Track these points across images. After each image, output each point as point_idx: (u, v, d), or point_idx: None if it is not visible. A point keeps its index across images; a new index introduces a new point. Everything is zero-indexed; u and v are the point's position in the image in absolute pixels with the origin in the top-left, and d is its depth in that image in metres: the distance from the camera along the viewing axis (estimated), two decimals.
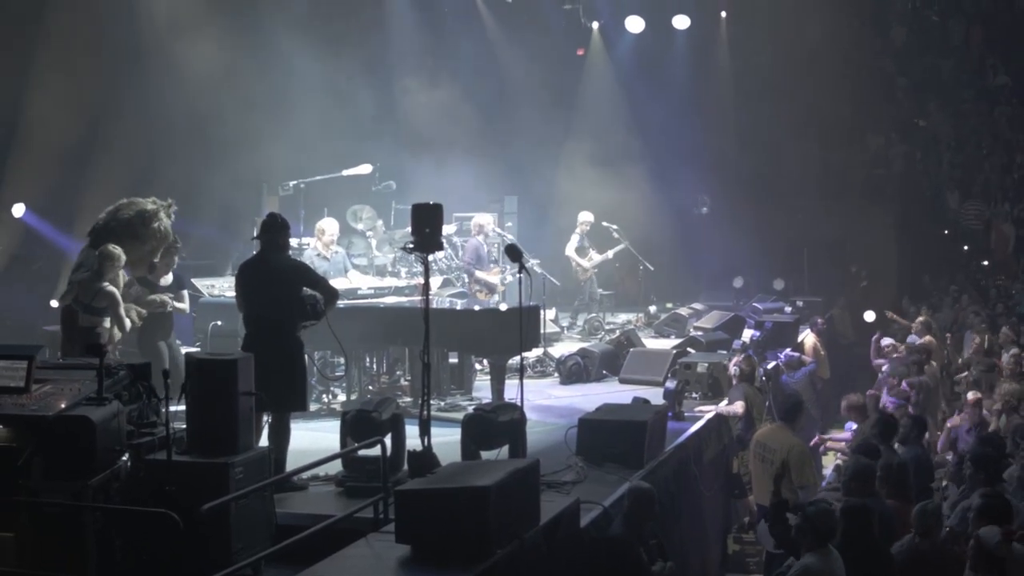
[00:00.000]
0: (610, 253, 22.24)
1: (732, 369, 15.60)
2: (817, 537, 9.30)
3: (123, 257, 12.71)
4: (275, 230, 11.72)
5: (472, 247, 18.63)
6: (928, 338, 19.41)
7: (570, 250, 22.01)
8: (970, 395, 16.30)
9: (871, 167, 29.07)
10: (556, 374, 17.86)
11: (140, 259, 13.55)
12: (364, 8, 23.71)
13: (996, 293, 24.52)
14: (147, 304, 13.66)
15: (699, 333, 19.44)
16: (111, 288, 12.52)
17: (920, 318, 21.02)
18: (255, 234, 14.92)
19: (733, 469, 14.98)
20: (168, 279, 14.43)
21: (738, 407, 14.77)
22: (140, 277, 14.13)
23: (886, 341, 19.81)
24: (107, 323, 12.51)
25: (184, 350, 14.59)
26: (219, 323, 15.42)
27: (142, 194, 21.61)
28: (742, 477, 14.73)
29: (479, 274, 18.41)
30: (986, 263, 27.54)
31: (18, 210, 20.68)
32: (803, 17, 27.22)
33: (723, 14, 28.03)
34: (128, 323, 12.75)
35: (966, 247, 28.13)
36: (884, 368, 18.67)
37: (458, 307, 16.35)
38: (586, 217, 22.05)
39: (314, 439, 12.79)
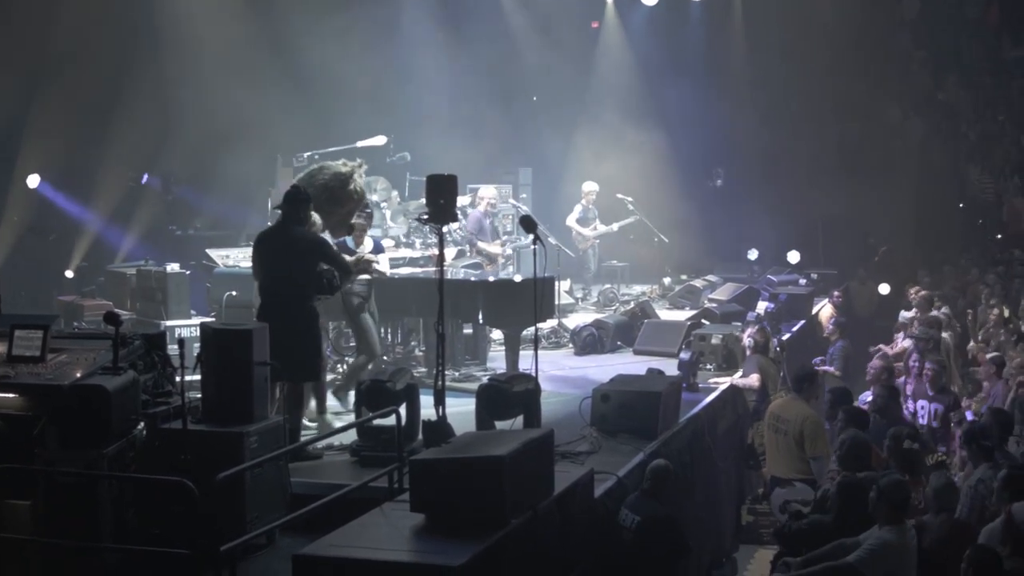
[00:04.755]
0: (615, 226, 22.23)
1: (746, 341, 15.60)
2: (892, 510, 9.23)
3: (320, 222, 12.64)
4: (296, 202, 11.72)
5: (474, 218, 18.58)
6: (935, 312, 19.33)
7: (571, 220, 22.01)
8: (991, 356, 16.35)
9: (888, 140, 28.92)
10: (570, 345, 17.85)
11: (340, 221, 13.47)
12: None
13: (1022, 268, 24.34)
14: (355, 264, 13.46)
15: (713, 305, 19.42)
16: None
17: (922, 292, 20.89)
18: (272, 205, 14.92)
19: (748, 440, 15.00)
20: (368, 244, 14.33)
21: (754, 380, 14.79)
22: (339, 243, 14.06)
23: (905, 314, 19.71)
24: None
25: (199, 320, 14.62)
26: (234, 293, 15.40)
27: (156, 165, 21.80)
28: (756, 449, 14.74)
29: (480, 244, 18.41)
30: (999, 236, 27.42)
31: (33, 181, 20.76)
32: None
33: None
34: None
35: (981, 220, 28.02)
36: (902, 341, 18.54)
37: (472, 278, 16.33)
38: (591, 187, 22.05)
39: (329, 408, 12.80)
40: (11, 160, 20.53)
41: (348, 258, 13.36)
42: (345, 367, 15.30)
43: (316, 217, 12.50)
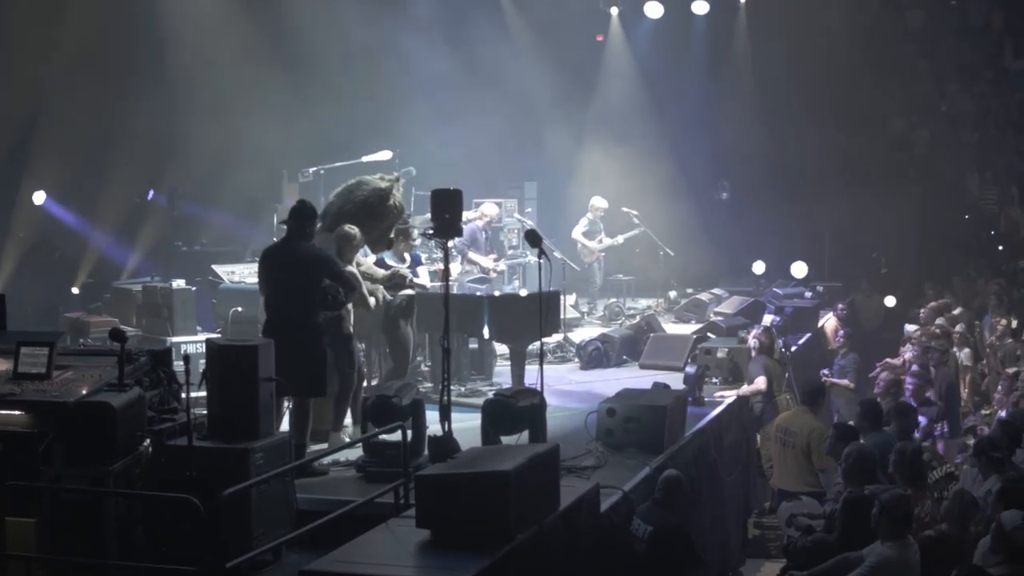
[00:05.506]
0: (620, 238, 22.23)
1: (751, 342, 15.62)
2: (894, 525, 9.19)
3: (360, 237, 12.68)
4: (302, 217, 11.70)
5: (469, 230, 18.47)
6: (940, 321, 19.33)
7: (576, 233, 22.04)
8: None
9: (892, 151, 28.90)
10: (576, 359, 17.84)
11: (380, 237, 13.49)
12: None
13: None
14: (389, 278, 13.53)
15: (719, 318, 19.40)
16: (352, 269, 12.51)
17: (932, 304, 20.93)
18: (277, 220, 14.88)
19: (755, 445, 15.05)
20: (406, 263, 14.36)
21: (760, 383, 14.81)
22: (378, 259, 14.07)
23: (910, 328, 19.71)
24: (350, 305, 12.53)
25: (205, 336, 14.61)
26: (239, 309, 15.44)
27: (162, 181, 21.85)
28: (763, 455, 14.74)
29: (472, 255, 18.40)
30: (1002, 248, 27.40)
31: (39, 198, 20.80)
32: (822, 1, 27.17)
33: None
34: (372, 301, 12.74)
35: (985, 232, 27.99)
36: (906, 354, 18.53)
37: (478, 293, 16.33)
38: (599, 203, 22.04)
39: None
40: (17, 177, 20.56)
41: (383, 272, 13.40)
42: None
43: (356, 231, 12.56)
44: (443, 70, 23.46)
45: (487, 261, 18.52)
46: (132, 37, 21.03)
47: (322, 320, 11.60)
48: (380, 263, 13.98)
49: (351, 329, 12.34)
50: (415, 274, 14.26)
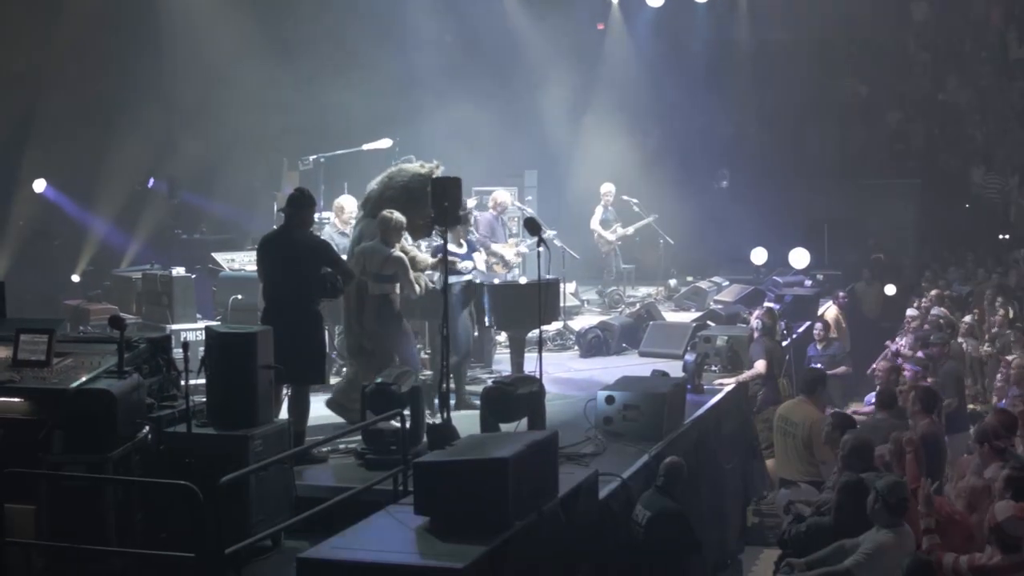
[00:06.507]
0: (631, 229, 22.20)
1: (754, 323, 15.60)
2: (890, 512, 9.22)
3: (403, 221, 12.70)
4: (299, 205, 11.69)
5: (486, 221, 18.46)
6: (943, 310, 19.32)
7: (595, 223, 21.95)
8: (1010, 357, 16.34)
9: (891, 142, 28.90)
10: (576, 347, 17.82)
11: (423, 224, 13.52)
12: None
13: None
14: (438, 264, 13.50)
15: (719, 306, 19.41)
16: (398, 253, 12.52)
17: (933, 292, 20.91)
18: (277, 208, 14.87)
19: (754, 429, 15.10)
20: (463, 249, 14.39)
21: (760, 367, 14.80)
22: (439, 247, 14.10)
23: (910, 312, 19.68)
24: (397, 289, 12.55)
25: (204, 324, 14.61)
26: (239, 297, 15.43)
27: (162, 169, 21.85)
28: (759, 436, 14.77)
29: (494, 247, 18.34)
30: (1003, 237, 27.36)
31: (39, 186, 20.82)
32: None
33: None
34: (419, 288, 12.78)
35: (986, 222, 27.95)
36: (900, 340, 18.50)
37: (478, 280, 16.32)
38: (607, 188, 22.00)
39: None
40: (17, 165, 20.58)
41: (430, 259, 13.39)
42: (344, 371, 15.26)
43: (398, 215, 12.59)
44: (443, 58, 23.47)
45: (509, 251, 18.41)
46: (132, 25, 21.03)
47: (321, 307, 11.62)
48: (439, 252, 14.00)
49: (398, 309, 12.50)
50: (471, 260, 14.28)
